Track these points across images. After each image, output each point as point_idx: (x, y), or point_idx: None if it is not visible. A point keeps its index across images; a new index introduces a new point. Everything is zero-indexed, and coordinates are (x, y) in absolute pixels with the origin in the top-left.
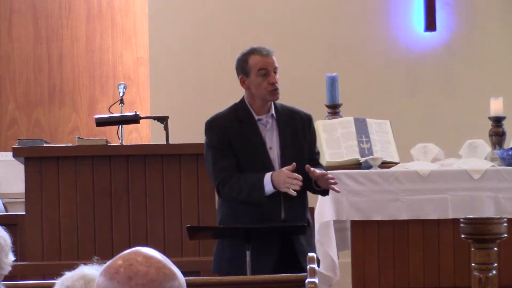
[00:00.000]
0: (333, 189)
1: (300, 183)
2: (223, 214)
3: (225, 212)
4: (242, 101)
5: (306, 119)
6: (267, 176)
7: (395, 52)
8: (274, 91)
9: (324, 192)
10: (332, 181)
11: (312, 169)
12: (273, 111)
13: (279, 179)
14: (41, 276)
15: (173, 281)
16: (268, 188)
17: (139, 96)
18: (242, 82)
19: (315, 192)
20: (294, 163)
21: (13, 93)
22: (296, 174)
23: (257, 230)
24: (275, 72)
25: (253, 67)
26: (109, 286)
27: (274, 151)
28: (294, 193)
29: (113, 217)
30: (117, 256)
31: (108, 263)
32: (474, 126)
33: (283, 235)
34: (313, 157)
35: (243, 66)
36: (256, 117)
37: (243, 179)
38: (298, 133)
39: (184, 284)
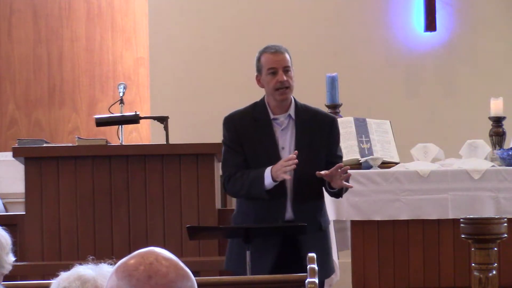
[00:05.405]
0: (345, 185)
1: (295, 162)
2: (235, 210)
3: (237, 209)
4: (262, 99)
5: (327, 122)
6: (267, 170)
7: (395, 52)
8: (281, 90)
9: (338, 194)
10: (344, 174)
11: (322, 172)
12: (291, 111)
13: (276, 167)
14: (41, 276)
15: (188, 282)
16: (268, 181)
17: (139, 96)
18: (258, 81)
19: (331, 194)
20: (296, 151)
21: (13, 93)
22: (290, 155)
23: (257, 230)
24: (286, 71)
25: (264, 65)
26: (126, 284)
27: (286, 151)
28: (288, 177)
29: (113, 217)
30: (131, 255)
31: (120, 263)
32: (474, 126)
33: (284, 236)
34: (333, 161)
35: (257, 65)
36: (272, 116)
37: (246, 174)
38: (316, 135)
39: (195, 284)
